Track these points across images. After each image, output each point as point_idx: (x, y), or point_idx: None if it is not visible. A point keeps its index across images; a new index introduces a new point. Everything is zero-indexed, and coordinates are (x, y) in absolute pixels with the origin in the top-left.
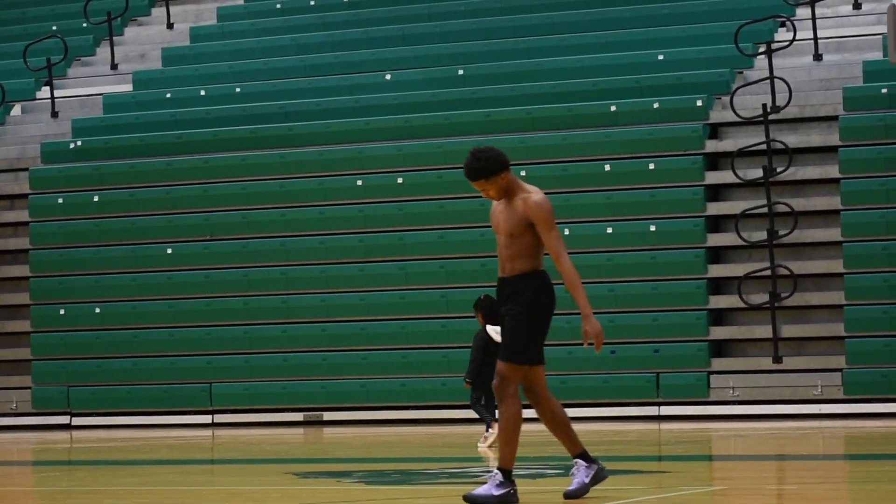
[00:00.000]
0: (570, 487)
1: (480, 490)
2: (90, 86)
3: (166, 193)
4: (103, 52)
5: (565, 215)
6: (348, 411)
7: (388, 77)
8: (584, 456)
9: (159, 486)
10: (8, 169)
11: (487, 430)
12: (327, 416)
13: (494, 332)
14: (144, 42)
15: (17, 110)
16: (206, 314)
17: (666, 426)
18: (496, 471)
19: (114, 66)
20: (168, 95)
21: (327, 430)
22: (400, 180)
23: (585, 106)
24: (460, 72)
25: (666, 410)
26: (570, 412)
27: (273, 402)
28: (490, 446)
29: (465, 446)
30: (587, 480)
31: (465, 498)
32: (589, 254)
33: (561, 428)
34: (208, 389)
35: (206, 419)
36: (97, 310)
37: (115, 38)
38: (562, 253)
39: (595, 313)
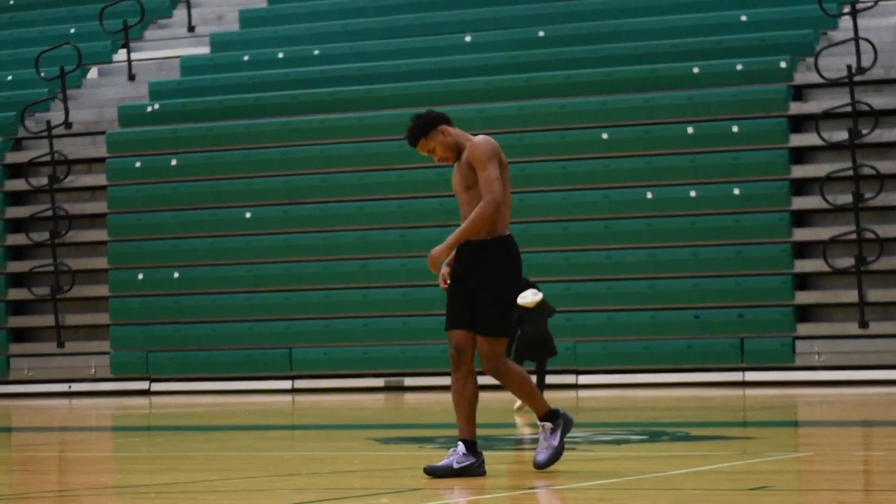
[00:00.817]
0: (438, 464)
1: (541, 452)
2: (167, 48)
3: (244, 157)
4: (180, 14)
5: (648, 178)
6: (429, 377)
7: (468, 39)
8: (471, 445)
9: (239, 452)
10: (85, 132)
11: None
12: (408, 381)
13: (521, 298)
14: (222, 4)
15: (93, 73)
16: (285, 279)
17: (750, 392)
18: (542, 423)
19: (191, 29)
20: (246, 58)
21: (408, 396)
22: None
23: (667, 68)
24: (540, 33)
25: (750, 376)
26: (654, 377)
27: (353, 367)
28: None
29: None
30: (456, 465)
31: (426, 470)
32: (672, 217)
33: (469, 404)
34: (288, 355)
35: (286, 385)
36: (176, 274)
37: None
38: (486, 193)
39: (678, 277)
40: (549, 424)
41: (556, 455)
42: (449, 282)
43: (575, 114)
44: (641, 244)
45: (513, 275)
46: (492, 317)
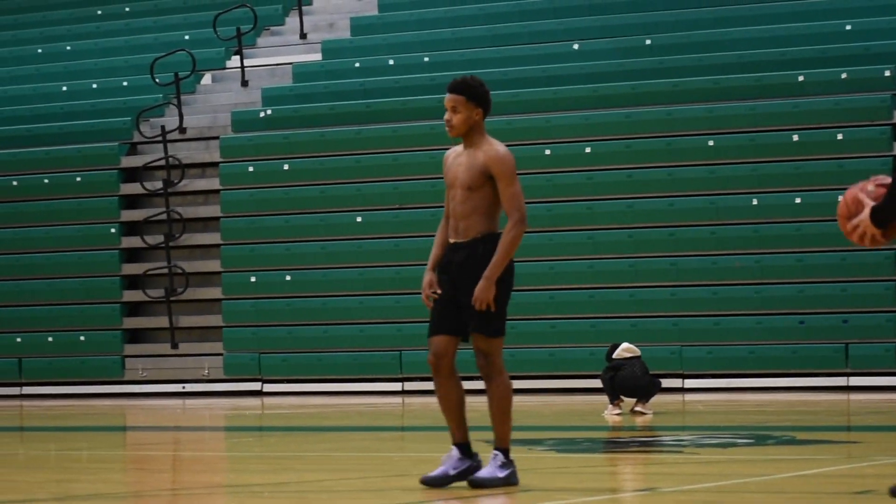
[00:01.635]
0: (483, 474)
1: (484, 472)
2: (280, 55)
3: (356, 162)
4: (292, 21)
5: (752, 185)
6: (536, 380)
7: (575, 47)
8: (467, 448)
9: (351, 453)
10: (199, 137)
11: (611, 405)
12: (516, 384)
13: (620, 351)
14: (333, 11)
15: (207, 79)
16: (396, 282)
17: (855, 396)
18: (496, 452)
19: (303, 36)
20: (357, 65)
21: (516, 399)
22: (588, 150)
23: (773, 76)
24: (647, 41)
25: (855, 381)
26: (760, 382)
27: (461, 369)
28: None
29: (657, 415)
30: (452, 472)
31: (471, 482)
32: (777, 224)
33: (458, 408)
34: (398, 357)
35: (396, 387)
36: (287, 277)
37: (304, 7)
38: (513, 212)
39: (784, 283)
40: (502, 457)
41: (495, 483)
42: (439, 291)
43: (681, 121)
44: (747, 250)
45: (509, 271)
46: (491, 315)
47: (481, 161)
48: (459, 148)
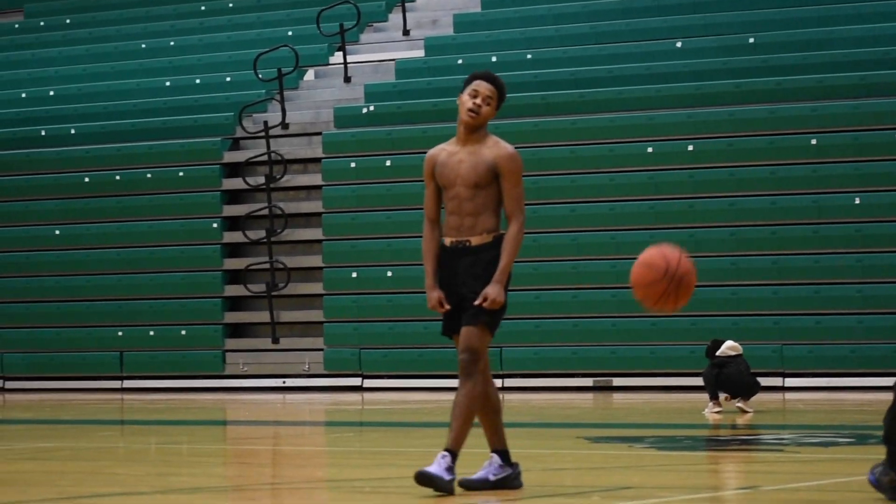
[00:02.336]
0: (473, 476)
1: (432, 468)
2: (382, 51)
3: None
4: (395, 17)
5: (855, 184)
6: (637, 377)
7: (678, 45)
8: (505, 455)
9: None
10: (301, 133)
11: (712, 402)
12: (616, 381)
13: (723, 350)
14: (436, 8)
15: (310, 75)
16: None
17: None
18: (445, 453)
19: (406, 32)
20: (460, 62)
21: (616, 396)
22: (691, 147)
23: (878, 75)
24: (751, 39)
25: None
26: (862, 381)
27: (562, 367)
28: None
29: (758, 413)
30: (492, 478)
31: (461, 484)
32: (880, 223)
33: (494, 414)
34: (498, 354)
35: (496, 383)
36: (389, 273)
37: (407, 4)
38: (518, 214)
39: (887, 282)
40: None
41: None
42: (448, 307)
43: (784, 119)
44: (850, 249)
45: (509, 274)
46: (490, 313)
47: (489, 159)
48: (449, 147)
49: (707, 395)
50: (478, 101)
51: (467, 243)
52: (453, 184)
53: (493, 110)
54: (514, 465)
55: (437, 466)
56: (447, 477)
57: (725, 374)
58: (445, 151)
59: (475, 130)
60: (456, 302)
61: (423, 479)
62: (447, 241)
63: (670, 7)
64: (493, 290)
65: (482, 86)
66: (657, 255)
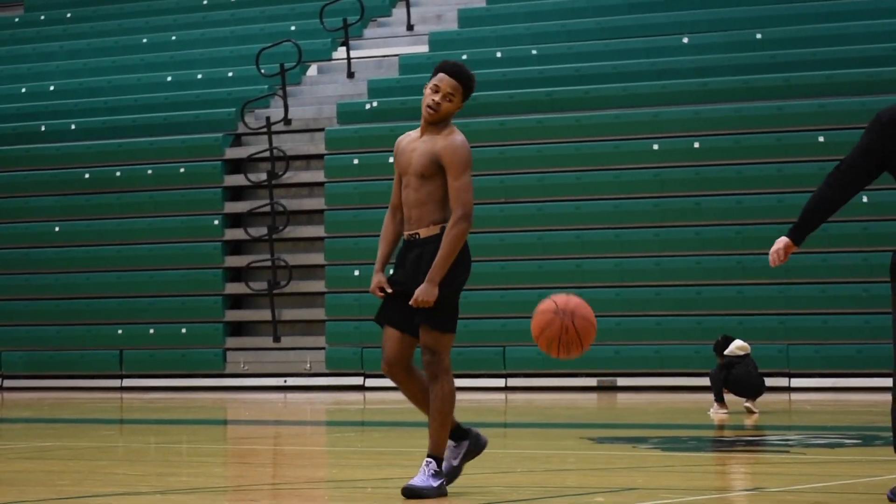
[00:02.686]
0: (414, 482)
1: (417, 481)
2: (386, 46)
3: None
4: (399, 12)
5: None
6: (642, 377)
7: (685, 40)
8: (440, 461)
9: None
10: (304, 129)
11: (717, 404)
12: (621, 381)
13: (731, 349)
14: (440, 3)
15: (313, 70)
16: (500, 277)
17: None
18: (429, 459)
19: (410, 27)
20: (464, 57)
21: (620, 396)
22: (696, 144)
23: (888, 71)
24: (758, 35)
25: None
26: (868, 381)
27: (566, 366)
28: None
29: (763, 414)
30: (435, 484)
31: (405, 491)
32: (889, 222)
33: (445, 415)
34: (501, 353)
35: (500, 383)
36: (391, 271)
37: None
38: (457, 207)
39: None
40: (434, 465)
41: (429, 493)
42: (389, 291)
43: (792, 116)
44: (857, 248)
45: (462, 266)
46: (445, 310)
47: (436, 149)
48: (414, 133)
49: (712, 396)
50: (437, 97)
51: (416, 236)
52: (406, 172)
53: (457, 105)
54: (464, 433)
55: (421, 476)
56: (434, 483)
57: (734, 374)
58: (408, 139)
59: (436, 124)
60: (399, 292)
61: (411, 494)
62: (405, 233)
63: (676, 2)
64: (422, 290)
65: (444, 81)
66: (544, 302)
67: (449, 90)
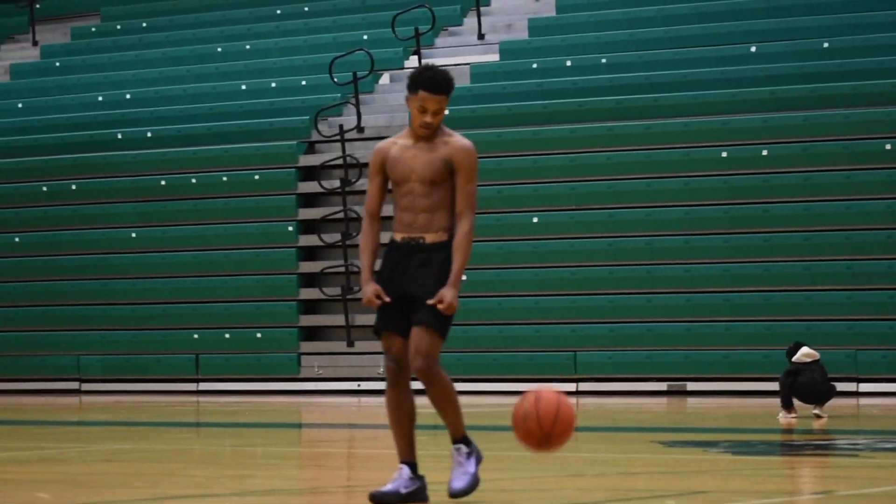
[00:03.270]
0: (384, 489)
1: (459, 481)
2: (457, 55)
3: (533, 163)
4: (470, 22)
5: None
6: (712, 382)
7: (753, 49)
8: (414, 467)
9: (525, 452)
10: (377, 136)
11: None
12: (690, 386)
13: (799, 356)
14: (511, 12)
15: (385, 79)
16: (571, 283)
17: None
18: (457, 445)
19: (480, 36)
20: (534, 66)
21: (690, 401)
22: (765, 152)
23: None
24: (826, 44)
25: None
26: None
27: (636, 371)
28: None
29: (832, 418)
30: (403, 491)
31: (452, 494)
32: None
33: (410, 423)
34: (573, 358)
35: (571, 387)
36: (464, 277)
37: (482, 8)
38: (468, 212)
39: None
40: (464, 448)
41: (474, 483)
42: (388, 300)
43: (859, 124)
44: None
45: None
46: (439, 313)
47: (445, 154)
48: (401, 140)
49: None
50: (428, 118)
51: (421, 240)
52: (407, 179)
53: (445, 106)
54: (421, 478)
55: (459, 470)
56: (472, 469)
57: (800, 382)
58: (397, 146)
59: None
60: (396, 298)
61: (467, 491)
62: (398, 237)
63: (745, 11)
64: (450, 294)
65: (430, 100)
66: (526, 406)
67: (436, 107)
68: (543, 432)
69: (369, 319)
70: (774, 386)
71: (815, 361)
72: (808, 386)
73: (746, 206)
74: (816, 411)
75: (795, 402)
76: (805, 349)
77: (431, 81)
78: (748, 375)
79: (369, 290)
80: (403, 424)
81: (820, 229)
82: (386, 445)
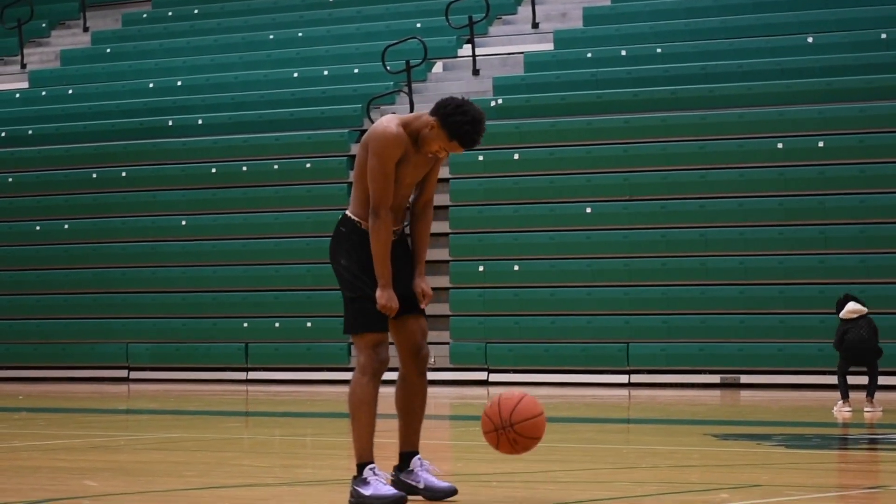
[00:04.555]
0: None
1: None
2: (511, 44)
3: (586, 153)
4: (525, 10)
5: None
6: (765, 375)
7: (810, 40)
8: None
9: (577, 444)
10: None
11: (842, 401)
12: (744, 378)
13: (845, 312)
14: (566, 1)
15: (438, 67)
16: (624, 274)
17: None
18: (421, 459)
19: (535, 25)
20: (589, 55)
21: (744, 393)
22: (821, 144)
23: None
24: (883, 35)
25: None
26: None
27: (690, 363)
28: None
29: (888, 412)
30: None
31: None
32: None
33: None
34: (625, 349)
35: (623, 379)
36: (516, 267)
37: None
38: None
39: None
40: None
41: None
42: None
43: None
44: None
45: None
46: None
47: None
48: (405, 137)
49: (836, 395)
50: (441, 155)
51: (405, 231)
52: (408, 183)
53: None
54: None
55: (428, 475)
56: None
57: (848, 339)
58: (410, 146)
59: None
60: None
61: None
62: (394, 231)
63: (801, 2)
64: (429, 288)
65: (458, 150)
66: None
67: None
68: (502, 418)
69: None
70: (828, 379)
71: (863, 317)
72: (854, 344)
73: (802, 198)
74: (868, 408)
75: (853, 394)
76: (851, 305)
77: (472, 142)
78: (802, 368)
79: (390, 295)
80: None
81: (876, 222)
82: (436, 436)
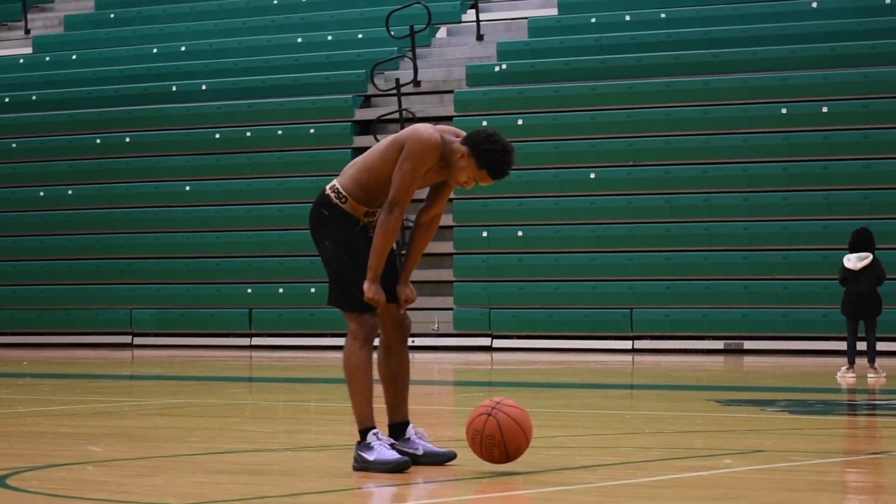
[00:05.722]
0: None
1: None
2: (515, 9)
3: (590, 118)
4: None
5: None
6: (769, 340)
7: (814, 5)
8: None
9: (582, 410)
10: (433, 91)
11: (847, 366)
12: (747, 344)
13: (849, 259)
14: None
15: (442, 33)
16: (628, 240)
17: None
18: (414, 428)
19: None
20: (593, 20)
21: (747, 359)
22: (825, 109)
23: None
24: (887, 0)
25: None
26: None
27: (693, 329)
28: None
29: (892, 378)
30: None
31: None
32: None
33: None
34: (629, 315)
35: (626, 345)
36: (519, 233)
37: None
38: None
39: None
40: (420, 430)
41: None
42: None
43: None
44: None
45: None
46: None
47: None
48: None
49: (840, 360)
50: (468, 185)
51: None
52: (422, 187)
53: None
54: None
55: (424, 445)
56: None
57: (846, 292)
58: (442, 168)
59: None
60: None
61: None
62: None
63: None
64: (413, 293)
65: (486, 181)
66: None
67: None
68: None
69: (424, 275)
70: (832, 345)
71: (865, 269)
72: (851, 297)
73: (806, 164)
74: (871, 374)
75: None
76: (854, 255)
77: (501, 172)
78: (806, 334)
79: (378, 289)
80: (367, 382)
81: (880, 187)
82: (439, 402)
